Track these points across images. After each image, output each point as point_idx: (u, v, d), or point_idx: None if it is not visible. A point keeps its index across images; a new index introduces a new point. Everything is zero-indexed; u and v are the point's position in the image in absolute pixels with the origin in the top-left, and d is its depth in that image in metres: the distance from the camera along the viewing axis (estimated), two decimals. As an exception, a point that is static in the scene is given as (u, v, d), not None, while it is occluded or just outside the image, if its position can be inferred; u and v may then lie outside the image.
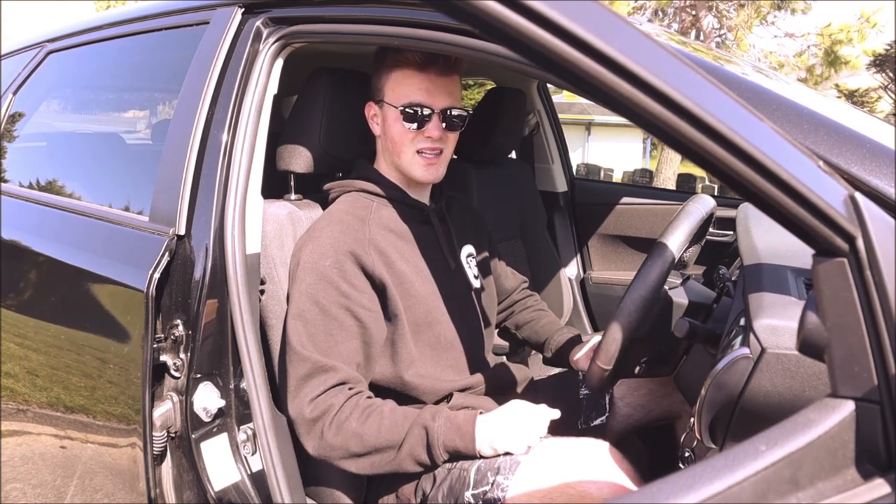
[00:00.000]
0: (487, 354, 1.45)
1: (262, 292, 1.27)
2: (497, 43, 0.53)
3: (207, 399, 1.17)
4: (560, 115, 2.57)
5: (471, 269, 1.43)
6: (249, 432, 1.20)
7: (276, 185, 1.37)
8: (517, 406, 1.19)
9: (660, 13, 12.11)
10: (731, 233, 2.13)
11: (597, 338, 1.35)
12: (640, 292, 1.03)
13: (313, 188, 1.43)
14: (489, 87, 2.45)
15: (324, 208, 1.38)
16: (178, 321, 1.17)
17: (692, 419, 0.87)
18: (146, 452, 1.15)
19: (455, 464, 1.16)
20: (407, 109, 1.25)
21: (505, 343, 1.82)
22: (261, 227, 1.26)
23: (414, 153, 1.28)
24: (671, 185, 11.12)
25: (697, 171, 11.38)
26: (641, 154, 20.60)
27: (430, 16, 1.05)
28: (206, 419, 1.17)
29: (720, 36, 12.10)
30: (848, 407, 0.56)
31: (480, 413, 1.17)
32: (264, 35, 1.24)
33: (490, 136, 2.08)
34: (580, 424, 1.45)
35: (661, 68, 0.52)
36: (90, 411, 1.32)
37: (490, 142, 2.08)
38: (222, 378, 1.18)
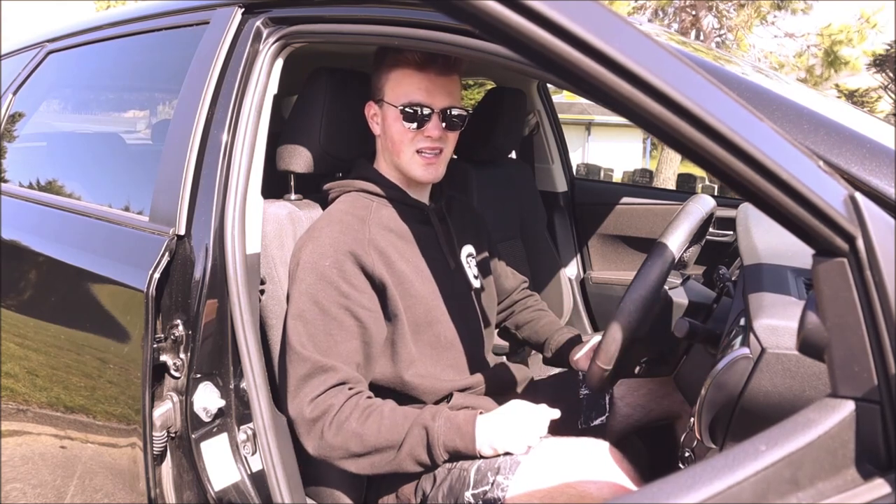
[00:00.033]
0: (487, 354, 1.45)
1: (262, 292, 1.27)
2: (497, 43, 0.53)
3: (207, 399, 1.17)
4: (560, 115, 2.57)
5: (471, 269, 1.43)
6: (249, 432, 1.20)
7: (276, 185, 1.37)
8: (517, 406, 1.19)
9: (660, 13, 12.11)
10: (731, 233, 2.13)
11: (597, 338, 1.35)
12: (640, 292, 1.03)
13: (313, 188, 1.43)
14: (489, 87, 2.45)
15: (324, 208, 1.38)
16: (178, 321, 1.17)
17: (692, 419, 0.87)
18: (146, 452, 1.15)
19: (455, 464, 1.16)
20: (407, 109, 1.25)
21: (505, 343, 1.82)
22: (261, 227, 1.26)
23: (413, 153, 1.28)
24: (671, 185, 11.12)
25: (697, 171, 11.37)
26: (641, 154, 20.60)
27: (430, 16, 1.05)
28: (206, 419, 1.17)
29: (720, 36, 12.10)
30: (848, 407, 0.56)
31: (480, 413, 1.17)
32: (264, 35, 1.24)
33: (490, 136, 2.08)
34: (580, 424, 1.45)
35: (661, 68, 0.52)
36: (90, 411, 1.32)
37: (490, 142, 2.08)
38: (222, 378, 1.18)
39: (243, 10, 1.28)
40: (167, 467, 1.20)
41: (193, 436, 1.16)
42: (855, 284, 0.56)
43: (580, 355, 1.46)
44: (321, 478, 1.30)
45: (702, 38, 11.52)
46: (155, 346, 1.15)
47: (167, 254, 1.18)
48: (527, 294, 1.71)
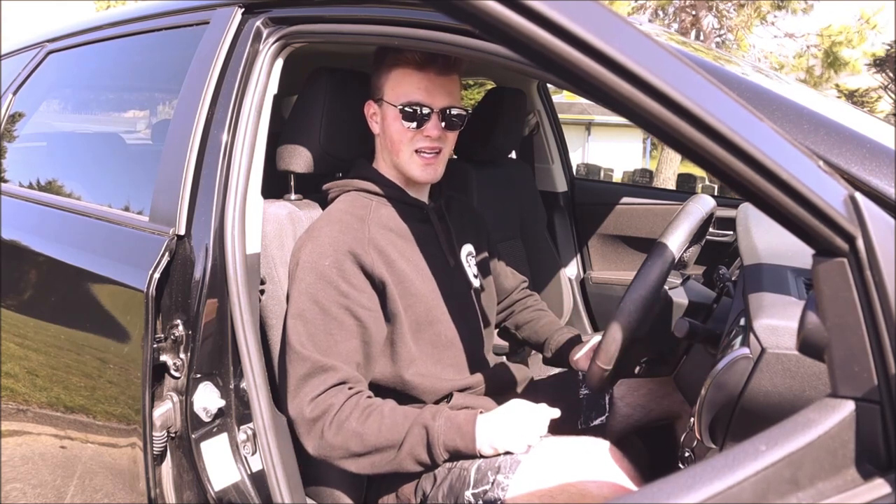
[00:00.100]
0: (487, 354, 1.45)
1: (262, 292, 1.27)
2: (497, 43, 0.53)
3: (207, 399, 1.17)
4: (560, 115, 2.57)
5: (470, 268, 1.43)
6: (249, 432, 1.20)
7: (276, 185, 1.37)
8: (517, 405, 1.19)
9: (660, 13, 12.11)
10: (731, 233, 2.13)
11: (597, 338, 1.35)
12: (640, 292, 1.03)
13: (313, 188, 1.43)
14: (489, 87, 2.45)
15: (323, 208, 1.38)
16: (178, 321, 1.17)
17: (692, 419, 0.87)
18: (146, 452, 1.15)
19: (455, 463, 1.16)
20: (406, 108, 1.25)
21: (505, 343, 1.82)
22: (261, 227, 1.26)
23: (412, 152, 1.28)
24: (671, 185, 11.12)
25: (697, 171, 11.38)
26: (641, 154, 20.60)
27: (430, 16, 1.05)
28: (206, 419, 1.17)
29: (720, 36, 12.10)
30: (848, 407, 0.56)
31: (481, 413, 1.17)
32: (264, 35, 1.24)
33: (490, 136, 2.08)
34: (580, 424, 1.45)
35: (661, 68, 0.52)
36: (90, 411, 1.32)
37: (490, 142, 2.08)
38: (222, 378, 1.18)
39: (243, 10, 1.28)
40: (167, 467, 1.20)
41: (193, 436, 1.16)
42: (855, 284, 0.56)
43: (580, 355, 1.46)
44: (321, 478, 1.30)
45: (702, 38, 11.52)
46: (155, 346, 1.15)
47: (167, 254, 1.18)
48: (526, 294, 1.71)
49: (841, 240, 0.57)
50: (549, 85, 2.42)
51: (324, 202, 1.38)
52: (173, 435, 1.18)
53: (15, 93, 1.90)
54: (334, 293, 1.17)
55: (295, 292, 1.19)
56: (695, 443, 1.03)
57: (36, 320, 1.49)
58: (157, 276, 1.15)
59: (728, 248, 2.15)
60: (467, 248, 1.45)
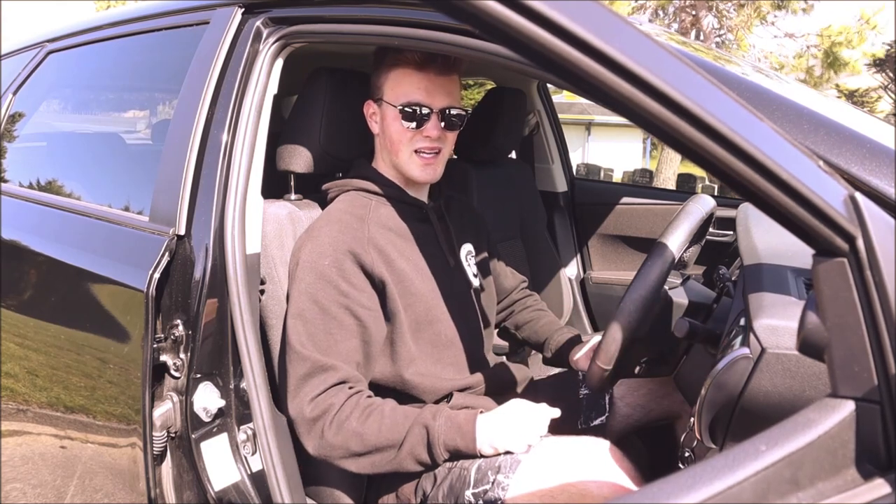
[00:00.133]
0: (487, 354, 1.45)
1: (262, 292, 1.27)
2: (497, 43, 0.53)
3: (207, 399, 1.17)
4: (560, 115, 2.57)
5: (470, 268, 1.43)
6: (249, 432, 1.20)
7: (276, 185, 1.37)
8: (517, 405, 1.19)
9: (660, 13, 12.11)
10: (731, 233, 2.13)
11: (597, 338, 1.35)
12: (640, 292, 1.03)
13: (313, 188, 1.43)
14: (489, 87, 2.45)
15: (323, 208, 1.38)
16: (178, 321, 1.17)
17: (692, 419, 0.87)
18: (146, 452, 1.15)
19: (455, 463, 1.16)
20: (406, 108, 1.25)
21: (505, 343, 1.82)
22: (261, 227, 1.26)
23: (412, 153, 1.28)
24: (671, 185, 11.12)
25: (697, 171, 11.38)
26: (641, 154, 20.60)
27: (430, 16, 1.05)
28: (206, 419, 1.17)
29: (720, 36, 12.10)
30: (848, 407, 0.56)
31: (481, 412, 1.17)
32: (264, 35, 1.24)
33: (490, 136, 2.08)
34: (580, 424, 1.45)
35: (661, 68, 0.52)
36: (90, 411, 1.32)
37: (490, 142, 2.08)
38: (222, 378, 1.18)
39: (243, 10, 1.28)
40: (167, 467, 1.20)
41: (193, 436, 1.16)
42: (855, 284, 0.56)
43: (580, 355, 1.46)
44: (321, 478, 1.30)
45: (702, 38, 11.52)
46: (155, 346, 1.15)
47: (167, 254, 1.18)
48: (526, 294, 1.71)
49: (841, 240, 0.57)
50: (549, 85, 2.42)
51: (323, 202, 1.38)
52: (173, 435, 1.18)
53: (15, 93, 1.90)
54: (334, 293, 1.17)
55: (295, 292, 1.19)
56: (695, 443, 1.03)
57: (36, 320, 1.49)
58: (157, 276, 1.15)
59: (728, 248, 2.15)
60: (467, 248, 1.45)
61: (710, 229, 1.79)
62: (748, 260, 1.00)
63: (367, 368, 1.23)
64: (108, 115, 2.04)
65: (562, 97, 14.51)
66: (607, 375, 1.06)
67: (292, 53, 1.26)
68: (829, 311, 0.57)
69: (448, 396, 1.30)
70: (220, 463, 1.18)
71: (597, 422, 1.45)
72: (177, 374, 1.17)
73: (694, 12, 11.57)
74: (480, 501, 1.11)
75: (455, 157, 2.11)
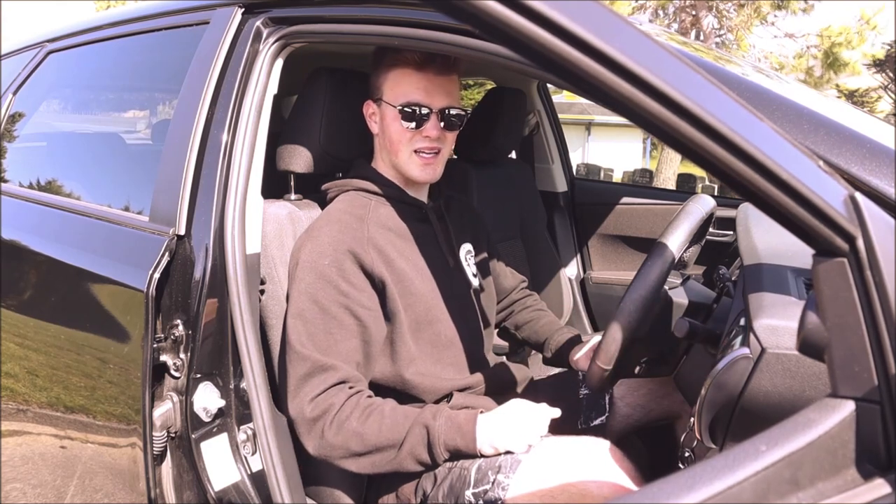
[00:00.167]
0: (487, 354, 1.45)
1: (262, 292, 1.27)
2: (497, 43, 0.53)
3: (207, 399, 1.17)
4: (560, 115, 2.57)
5: (469, 268, 1.43)
6: (249, 432, 1.20)
7: (276, 185, 1.37)
8: (518, 405, 1.19)
9: (660, 13, 12.11)
10: (731, 233, 2.13)
11: (597, 338, 1.35)
12: (640, 292, 1.03)
13: (313, 188, 1.43)
14: (489, 87, 2.45)
15: (323, 208, 1.38)
16: (178, 321, 1.17)
17: (692, 419, 0.87)
18: (146, 452, 1.15)
19: (456, 463, 1.16)
20: (405, 108, 1.25)
21: (505, 343, 1.82)
22: (261, 227, 1.26)
23: (411, 153, 1.28)
24: (671, 185, 11.12)
25: (697, 171, 11.37)
26: (641, 154, 20.60)
27: (430, 16, 1.05)
28: (206, 419, 1.17)
29: (720, 36, 12.10)
30: (848, 407, 0.56)
31: (481, 412, 1.17)
32: (264, 35, 1.24)
33: (490, 136, 2.08)
34: (580, 424, 1.45)
35: (661, 68, 0.52)
36: (90, 411, 1.32)
37: (490, 142, 2.08)
38: (222, 378, 1.18)
39: (243, 10, 1.28)
40: (167, 467, 1.20)
41: (193, 436, 1.16)
42: (855, 284, 0.56)
43: (580, 355, 1.46)
44: (321, 478, 1.30)
45: (702, 38, 11.52)
46: (155, 346, 1.15)
47: (167, 254, 1.18)
48: (526, 294, 1.71)
49: (841, 240, 0.57)
50: (549, 85, 2.42)
51: (323, 202, 1.38)
52: (173, 435, 1.18)
53: (15, 93, 1.90)
54: (334, 292, 1.17)
55: (295, 292, 1.19)
56: (695, 443, 1.03)
57: (36, 320, 1.49)
58: (157, 276, 1.15)
59: (728, 248, 2.15)
60: (466, 248, 1.45)
61: (710, 229, 1.79)
62: (748, 260, 1.00)
63: (368, 368, 1.23)
64: (108, 115, 2.04)
65: (562, 97, 14.51)
66: (607, 375, 1.06)
67: (292, 53, 1.26)
68: (829, 311, 0.57)
69: (448, 396, 1.30)
70: (220, 463, 1.18)
71: (597, 422, 1.45)
72: (177, 374, 1.17)
73: (694, 12, 11.57)
74: (481, 501, 1.11)
75: (455, 157, 2.11)
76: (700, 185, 10.89)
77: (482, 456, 1.15)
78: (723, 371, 0.77)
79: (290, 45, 1.23)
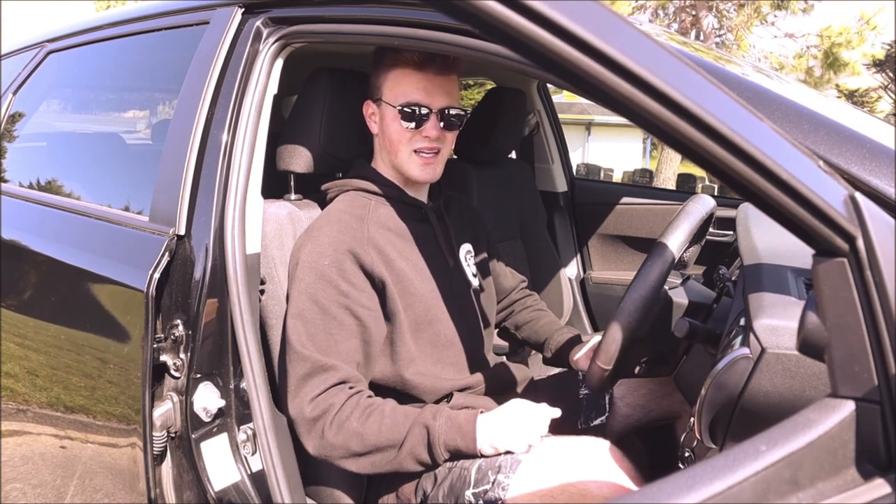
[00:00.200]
0: (487, 354, 1.45)
1: (262, 292, 1.27)
2: (497, 43, 0.53)
3: (207, 399, 1.17)
4: (560, 115, 2.57)
5: (469, 268, 1.43)
6: (249, 432, 1.20)
7: (276, 185, 1.37)
8: (518, 405, 1.19)
9: (660, 13, 12.11)
10: (731, 233, 2.13)
11: (597, 338, 1.35)
12: (640, 292, 1.03)
13: (313, 188, 1.43)
14: (489, 87, 2.45)
15: (322, 208, 1.38)
16: (178, 321, 1.17)
17: (692, 419, 0.87)
18: (146, 452, 1.15)
19: (456, 463, 1.16)
20: (405, 108, 1.25)
21: (505, 343, 1.82)
22: (261, 227, 1.26)
23: (411, 153, 1.28)
24: (671, 185, 11.12)
25: (697, 171, 11.38)
26: (641, 154, 20.60)
27: (430, 16, 1.05)
28: (206, 419, 1.17)
29: (720, 36, 12.10)
30: (848, 407, 0.56)
31: (481, 412, 1.17)
32: (264, 35, 1.24)
33: (490, 136, 2.08)
34: (580, 424, 1.45)
35: (661, 68, 0.52)
36: (90, 411, 1.32)
37: (490, 142, 2.08)
38: (222, 378, 1.18)
39: (243, 10, 1.28)
40: (167, 467, 1.20)
41: (193, 436, 1.16)
42: (855, 284, 0.56)
43: (580, 355, 1.46)
44: (321, 478, 1.30)
45: (702, 38, 11.52)
46: (155, 346, 1.15)
47: (167, 254, 1.18)
48: (526, 294, 1.71)
49: (841, 240, 0.57)
50: (549, 85, 2.42)
51: (323, 202, 1.38)
52: (173, 435, 1.18)
53: (15, 93, 1.90)
54: (334, 293, 1.17)
55: (295, 292, 1.19)
56: (695, 443, 1.03)
57: (36, 320, 1.49)
58: (157, 276, 1.15)
59: (728, 248, 2.15)
60: (466, 248, 1.45)
61: (710, 229, 1.79)
62: (748, 260, 1.00)
63: (368, 368, 1.23)
64: (108, 115, 2.04)
65: (562, 97, 14.51)
66: (607, 375, 1.06)
67: (292, 53, 1.26)
68: (829, 311, 0.57)
69: (448, 396, 1.30)
70: (220, 463, 1.18)
71: (597, 422, 1.45)
72: (177, 374, 1.17)
73: (694, 12, 11.57)
74: (481, 501, 1.11)
75: (455, 157, 2.11)
76: (700, 185, 10.89)
77: (482, 456, 1.15)
78: (723, 371, 0.77)
79: (290, 45, 1.23)
